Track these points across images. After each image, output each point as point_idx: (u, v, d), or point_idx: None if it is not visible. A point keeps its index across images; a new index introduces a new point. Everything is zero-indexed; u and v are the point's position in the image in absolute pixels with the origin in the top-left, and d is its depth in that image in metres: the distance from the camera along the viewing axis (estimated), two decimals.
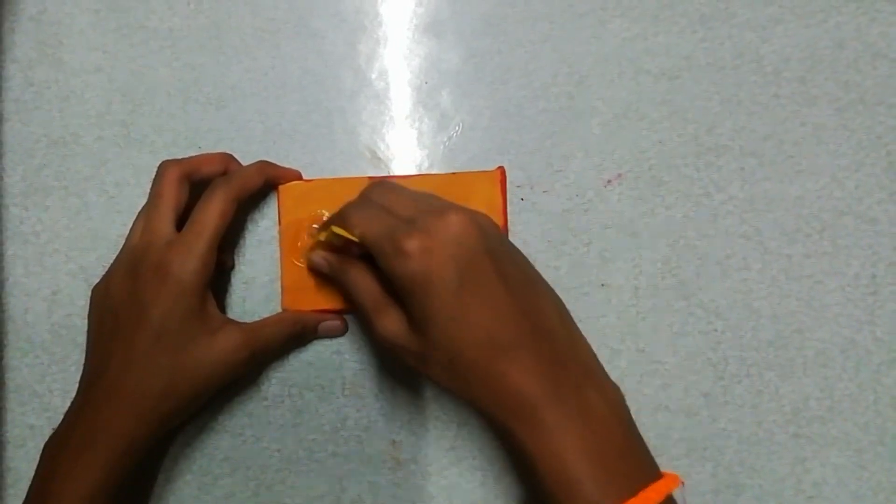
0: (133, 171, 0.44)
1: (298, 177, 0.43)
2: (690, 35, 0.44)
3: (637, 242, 0.43)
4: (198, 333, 0.36)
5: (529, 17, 0.44)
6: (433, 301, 0.31)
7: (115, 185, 0.44)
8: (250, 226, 0.43)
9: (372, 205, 0.35)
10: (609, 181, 0.43)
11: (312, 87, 0.44)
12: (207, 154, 0.41)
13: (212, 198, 0.38)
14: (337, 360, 0.43)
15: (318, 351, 0.43)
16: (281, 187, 0.42)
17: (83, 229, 0.43)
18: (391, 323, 0.34)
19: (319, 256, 0.39)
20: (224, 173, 0.40)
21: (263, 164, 0.41)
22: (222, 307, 0.43)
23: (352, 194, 0.38)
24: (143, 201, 0.43)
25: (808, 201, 0.43)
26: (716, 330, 0.42)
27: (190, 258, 0.36)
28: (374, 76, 0.44)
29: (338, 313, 0.42)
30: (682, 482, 0.32)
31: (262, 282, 0.43)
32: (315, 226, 0.41)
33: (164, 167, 0.39)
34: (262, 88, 0.44)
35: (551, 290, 0.35)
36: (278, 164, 0.43)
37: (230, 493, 0.42)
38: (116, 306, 0.37)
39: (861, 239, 0.43)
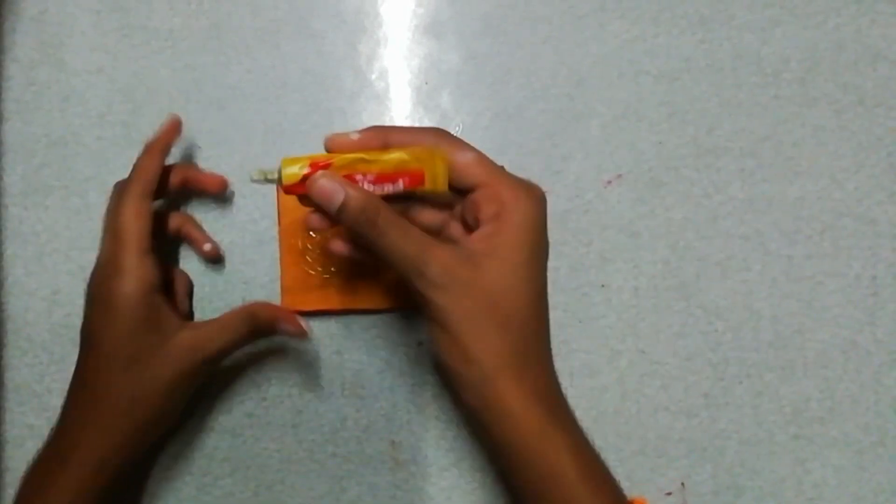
0: None
1: (221, 183, 0.41)
2: (690, 37, 0.44)
3: (637, 243, 0.43)
4: (152, 344, 0.36)
5: (529, 19, 0.44)
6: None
7: None
8: (250, 226, 0.43)
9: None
10: (609, 182, 0.43)
11: (313, 88, 0.44)
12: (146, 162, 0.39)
13: (119, 203, 0.36)
14: (337, 360, 0.43)
15: (318, 351, 0.43)
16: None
17: (83, 229, 0.43)
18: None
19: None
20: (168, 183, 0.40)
21: (147, 149, 0.39)
22: (221, 308, 0.43)
23: None
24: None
25: (807, 202, 0.43)
26: (716, 331, 0.42)
27: (122, 277, 0.35)
28: (374, 77, 0.44)
29: (338, 313, 0.42)
30: (666, 494, 0.34)
31: (262, 282, 0.43)
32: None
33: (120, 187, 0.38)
34: (263, 89, 0.44)
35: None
36: (278, 163, 0.43)
37: (229, 494, 0.42)
38: (80, 332, 0.37)
39: (861, 240, 0.43)
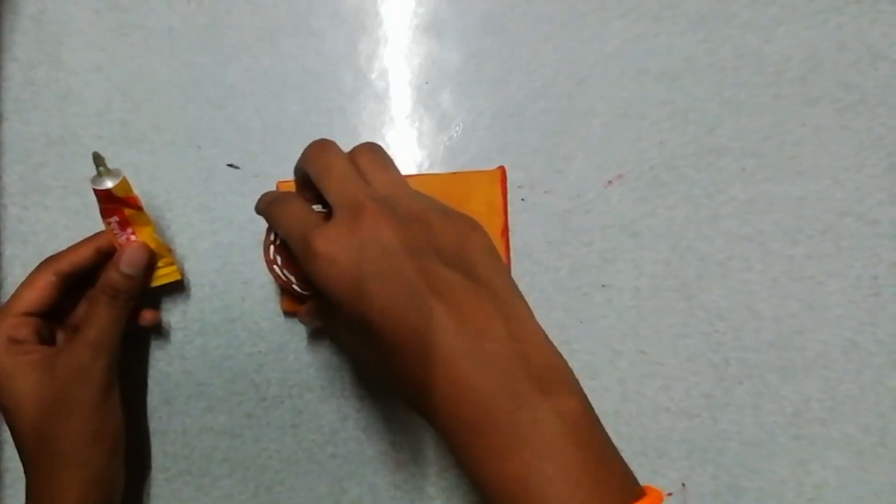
0: (132, 171, 0.43)
1: (144, 247, 0.39)
2: (692, 36, 0.44)
3: (638, 243, 0.43)
4: (30, 381, 0.37)
5: (530, 17, 0.44)
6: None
7: None
8: (249, 226, 0.43)
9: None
10: (610, 181, 0.43)
11: (312, 87, 0.44)
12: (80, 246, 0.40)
13: (32, 273, 0.39)
14: (336, 360, 0.43)
15: (318, 351, 0.43)
16: (278, 184, 0.42)
17: (82, 229, 0.43)
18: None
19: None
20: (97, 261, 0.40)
21: (91, 238, 0.40)
22: (221, 308, 0.43)
23: None
24: (142, 201, 0.43)
25: (809, 202, 0.43)
26: (717, 331, 0.42)
27: None
28: (374, 76, 0.44)
29: None
30: (667, 494, 0.29)
31: (260, 282, 0.43)
32: None
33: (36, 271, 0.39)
34: (262, 88, 0.44)
35: (505, 294, 0.30)
36: (277, 164, 0.43)
37: (229, 495, 0.42)
38: None
39: (862, 240, 0.43)
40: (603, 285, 0.43)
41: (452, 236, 0.30)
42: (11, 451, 0.42)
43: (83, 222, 0.43)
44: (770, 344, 0.42)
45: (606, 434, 0.28)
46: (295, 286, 0.38)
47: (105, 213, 0.38)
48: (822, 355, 0.42)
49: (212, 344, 0.43)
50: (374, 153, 0.34)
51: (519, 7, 0.44)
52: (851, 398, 0.42)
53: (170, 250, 0.41)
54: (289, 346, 0.43)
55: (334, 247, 0.29)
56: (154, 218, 0.42)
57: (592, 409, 0.28)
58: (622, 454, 0.28)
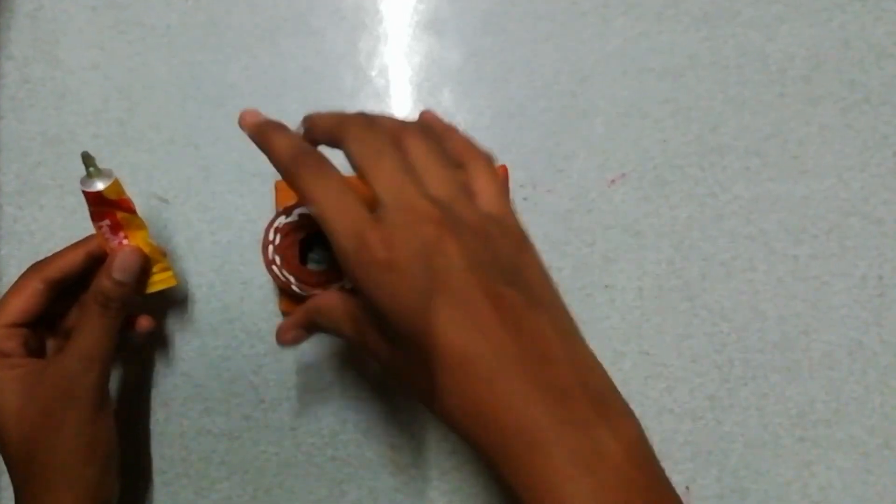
0: (130, 170, 0.43)
1: (137, 252, 0.37)
2: (694, 33, 0.43)
3: (641, 243, 0.42)
4: (18, 392, 0.35)
5: (531, 15, 0.44)
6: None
7: None
8: (249, 226, 0.43)
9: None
10: (612, 181, 0.43)
11: (312, 85, 0.43)
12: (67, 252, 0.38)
13: (19, 279, 0.37)
14: (336, 362, 0.42)
15: (317, 353, 0.42)
16: (278, 182, 0.41)
17: (78, 229, 0.43)
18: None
19: None
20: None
21: (81, 242, 0.38)
22: (219, 309, 0.42)
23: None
24: (140, 201, 0.43)
25: (813, 202, 0.43)
26: (721, 332, 0.42)
27: None
28: (374, 74, 0.44)
29: None
30: None
31: (259, 282, 0.42)
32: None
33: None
34: (262, 86, 0.43)
35: (555, 310, 0.29)
36: None
37: (227, 497, 0.42)
38: None
39: (867, 240, 0.42)
40: (606, 286, 0.42)
41: (510, 251, 0.29)
42: None
43: (80, 222, 0.43)
44: (774, 344, 0.42)
45: (659, 461, 0.27)
46: (294, 286, 0.38)
47: (95, 217, 0.36)
48: (827, 356, 0.42)
49: (210, 345, 0.42)
50: (428, 143, 0.30)
51: (520, 5, 0.44)
52: (856, 399, 0.42)
53: (165, 255, 0.39)
54: (288, 349, 0.42)
55: (398, 254, 0.26)
56: (149, 220, 0.41)
57: (646, 435, 0.28)
58: None
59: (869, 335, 0.42)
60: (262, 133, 0.32)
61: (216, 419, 0.42)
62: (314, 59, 0.44)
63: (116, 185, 0.36)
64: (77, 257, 0.37)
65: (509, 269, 0.28)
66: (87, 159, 0.35)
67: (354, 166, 0.29)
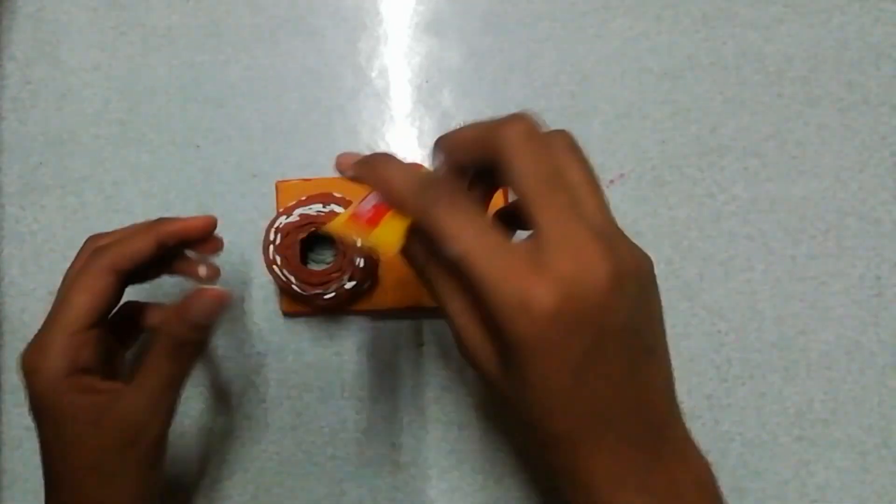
0: (130, 171, 0.43)
1: (209, 225, 0.34)
2: (693, 34, 0.44)
3: (640, 243, 0.42)
4: (79, 430, 0.30)
5: (531, 16, 0.44)
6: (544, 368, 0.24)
7: (113, 184, 0.43)
8: (249, 226, 0.43)
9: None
10: (611, 181, 0.43)
11: (312, 86, 0.44)
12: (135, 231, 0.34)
13: (83, 272, 0.32)
14: (336, 361, 0.42)
15: (318, 352, 0.42)
16: (278, 184, 0.41)
17: (80, 229, 0.43)
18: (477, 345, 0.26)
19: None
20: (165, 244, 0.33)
21: (151, 227, 0.33)
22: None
23: (350, 193, 0.37)
24: (141, 201, 0.43)
25: (811, 202, 0.43)
26: (719, 331, 0.42)
27: (43, 357, 0.31)
28: (374, 74, 0.44)
29: (338, 314, 0.42)
30: None
31: (260, 282, 0.42)
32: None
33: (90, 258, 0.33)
34: (262, 87, 0.44)
35: (666, 355, 0.27)
36: (277, 162, 0.42)
37: (228, 496, 0.42)
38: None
39: (865, 240, 0.42)
40: None
41: (657, 304, 0.26)
42: (8, 452, 0.42)
43: (81, 222, 0.43)
44: (772, 344, 0.42)
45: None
46: (295, 286, 0.38)
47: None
48: (825, 356, 0.42)
49: (211, 344, 0.42)
50: (582, 162, 0.26)
51: (520, 6, 0.44)
52: (854, 399, 0.42)
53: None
54: (288, 347, 0.42)
55: (566, 309, 0.23)
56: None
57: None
58: None
59: (867, 335, 0.42)
60: (371, 170, 0.27)
61: (217, 418, 0.42)
62: (314, 60, 0.44)
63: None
64: (148, 245, 0.32)
65: (644, 328, 0.26)
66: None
67: (520, 189, 0.24)
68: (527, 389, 0.25)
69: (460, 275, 0.25)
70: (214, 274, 0.35)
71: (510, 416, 0.27)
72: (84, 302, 0.31)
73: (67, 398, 0.31)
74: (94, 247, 0.33)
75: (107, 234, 0.34)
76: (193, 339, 0.31)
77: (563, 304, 0.23)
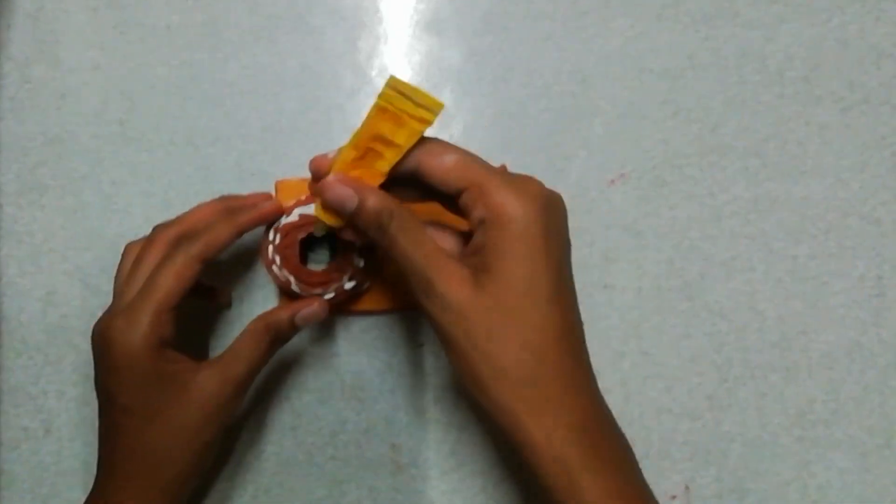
0: (130, 170, 0.43)
1: (278, 209, 0.38)
2: (694, 34, 0.44)
3: (640, 243, 0.42)
4: (167, 396, 0.34)
5: (531, 15, 0.44)
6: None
7: (112, 183, 0.43)
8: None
9: None
10: (612, 181, 0.43)
11: (311, 85, 0.43)
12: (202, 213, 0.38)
13: (172, 258, 0.35)
14: (336, 362, 0.42)
15: (317, 353, 0.42)
16: (277, 183, 0.41)
17: (79, 228, 0.43)
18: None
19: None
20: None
21: (231, 219, 0.37)
22: (218, 312, 0.42)
23: None
24: (140, 200, 0.43)
25: (812, 202, 0.43)
26: (720, 332, 0.42)
27: (133, 327, 0.33)
28: (373, 73, 0.44)
29: (338, 315, 0.42)
30: (671, 497, 0.32)
31: (260, 282, 0.42)
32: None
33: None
34: (261, 86, 0.43)
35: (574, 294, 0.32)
36: (276, 162, 0.42)
37: (227, 497, 0.42)
38: (94, 382, 0.36)
39: (866, 240, 0.42)
40: (605, 285, 0.42)
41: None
42: (6, 453, 0.42)
43: (80, 222, 0.43)
44: (773, 344, 0.42)
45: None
46: (294, 286, 0.38)
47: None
48: (826, 356, 0.42)
49: (211, 345, 0.42)
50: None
51: (520, 5, 0.44)
52: (855, 399, 0.42)
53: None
54: (288, 348, 0.42)
55: (538, 218, 0.31)
56: (149, 220, 0.40)
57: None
58: None
59: (868, 335, 0.42)
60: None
61: None
62: (313, 59, 0.44)
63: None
64: (231, 236, 0.36)
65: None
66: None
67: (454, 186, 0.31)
68: (496, 311, 0.29)
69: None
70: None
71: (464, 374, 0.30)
72: (173, 285, 0.34)
73: (159, 365, 0.34)
74: (172, 235, 0.36)
75: (174, 222, 0.37)
76: (289, 336, 0.37)
77: (537, 213, 0.29)
